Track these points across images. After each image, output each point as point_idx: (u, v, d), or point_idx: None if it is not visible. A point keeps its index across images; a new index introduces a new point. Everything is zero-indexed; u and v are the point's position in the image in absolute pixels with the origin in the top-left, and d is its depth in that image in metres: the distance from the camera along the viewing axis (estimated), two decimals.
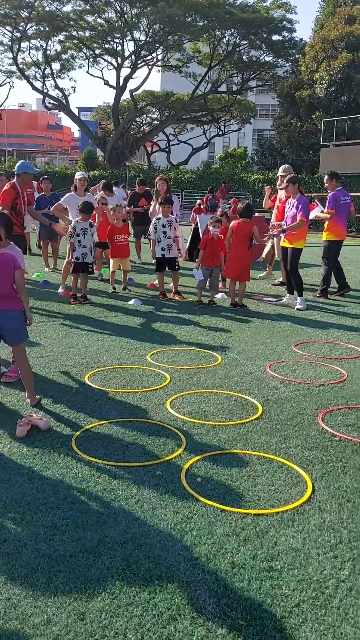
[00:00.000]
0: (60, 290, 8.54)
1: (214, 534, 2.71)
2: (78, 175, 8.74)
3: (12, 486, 3.08)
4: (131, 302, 8.03)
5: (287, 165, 10.03)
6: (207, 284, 8.29)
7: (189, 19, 34.41)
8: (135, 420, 4.03)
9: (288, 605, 2.27)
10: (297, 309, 8.01)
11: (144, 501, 2.97)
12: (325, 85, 31.57)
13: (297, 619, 2.20)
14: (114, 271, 8.94)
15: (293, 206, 8.15)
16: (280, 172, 9.71)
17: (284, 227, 8.26)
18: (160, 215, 8.46)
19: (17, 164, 7.36)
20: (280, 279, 9.74)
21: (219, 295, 8.74)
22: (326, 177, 9.05)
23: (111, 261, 9.04)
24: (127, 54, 38.29)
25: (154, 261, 8.92)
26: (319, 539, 2.71)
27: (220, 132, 46.80)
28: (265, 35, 36.56)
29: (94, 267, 9.09)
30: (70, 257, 7.95)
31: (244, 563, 2.51)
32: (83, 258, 7.82)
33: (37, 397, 4.30)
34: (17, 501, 2.93)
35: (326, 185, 9.01)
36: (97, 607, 2.22)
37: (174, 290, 8.63)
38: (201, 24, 35.35)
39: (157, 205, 9.30)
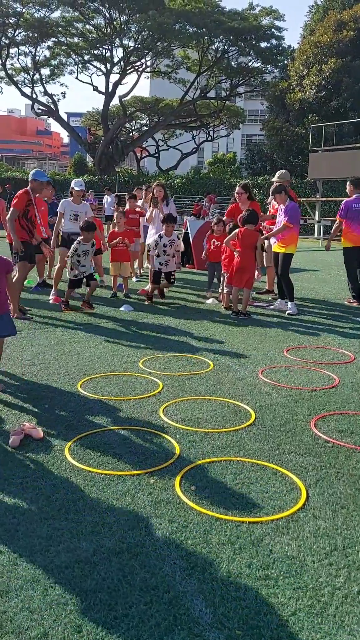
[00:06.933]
0: (51, 298, 8.52)
1: (210, 543, 2.71)
2: (76, 186, 8.46)
3: (5, 497, 3.06)
4: (122, 308, 8.03)
5: (283, 171, 9.30)
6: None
7: (177, 26, 34.57)
8: (128, 428, 4.02)
9: (284, 614, 2.27)
10: (288, 314, 8.04)
11: (139, 510, 2.96)
12: (314, 90, 31.81)
13: (293, 628, 2.20)
14: (116, 276, 9.03)
15: (282, 212, 8.22)
16: (275, 178, 9.15)
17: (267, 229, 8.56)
18: (162, 233, 8.41)
19: (31, 171, 7.63)
20: (266, 287, 9.77)
21: (209, 301, 8.77)
22: (348, 183, 9.08)
23: (111, 265, 9.10)
24: (116, 60, 38.44)
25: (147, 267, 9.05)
26: (313, 546, 2.71)
27: (209, 138, 47.05)
28: (253, 42, 36.83)
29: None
30: (69, 271, 7.96)
31: (240, 572, 2.51)
32: (81, 275, 7.85)
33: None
34: (11, 512, 2.92)
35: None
36: (94, 618, 2.21)
37: (157, 294, 8.76)
38: (190, 31, 35.54)
39: (154, 211, 9.26)
